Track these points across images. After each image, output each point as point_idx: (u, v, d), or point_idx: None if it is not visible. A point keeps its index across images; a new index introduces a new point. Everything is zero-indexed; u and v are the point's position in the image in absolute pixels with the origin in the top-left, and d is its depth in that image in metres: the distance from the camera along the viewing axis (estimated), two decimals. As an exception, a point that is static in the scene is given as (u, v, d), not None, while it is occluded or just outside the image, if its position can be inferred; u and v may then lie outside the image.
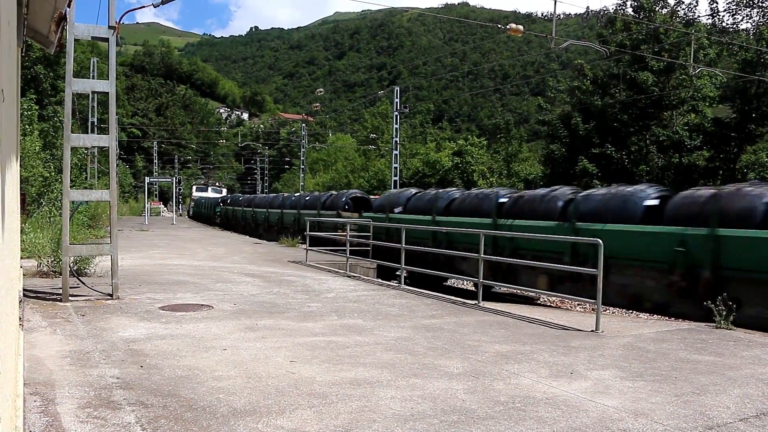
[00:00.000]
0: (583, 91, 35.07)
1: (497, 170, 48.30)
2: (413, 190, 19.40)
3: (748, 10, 31.32)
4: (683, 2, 33.34)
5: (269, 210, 31.57)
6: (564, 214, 12.79)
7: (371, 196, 27.25)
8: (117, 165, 9.33)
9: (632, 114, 32.22)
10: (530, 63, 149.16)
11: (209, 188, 68.84)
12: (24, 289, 8.80)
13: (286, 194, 34.41)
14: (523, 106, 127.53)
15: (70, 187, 8.63)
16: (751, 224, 9.54)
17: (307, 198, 28.04)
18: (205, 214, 50.78)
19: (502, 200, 14.69)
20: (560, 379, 5.31)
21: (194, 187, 71.06)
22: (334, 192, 28.62)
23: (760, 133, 29.21)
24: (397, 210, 18.10)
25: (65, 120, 8.68)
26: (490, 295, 11.31)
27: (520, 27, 17.81)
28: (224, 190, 69.49)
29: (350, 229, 14.91)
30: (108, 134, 8.99)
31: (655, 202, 11.67)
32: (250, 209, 35.57)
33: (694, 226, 10.19)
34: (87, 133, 34.89)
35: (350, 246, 14.02)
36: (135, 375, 5.07)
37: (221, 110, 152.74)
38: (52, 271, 10.84)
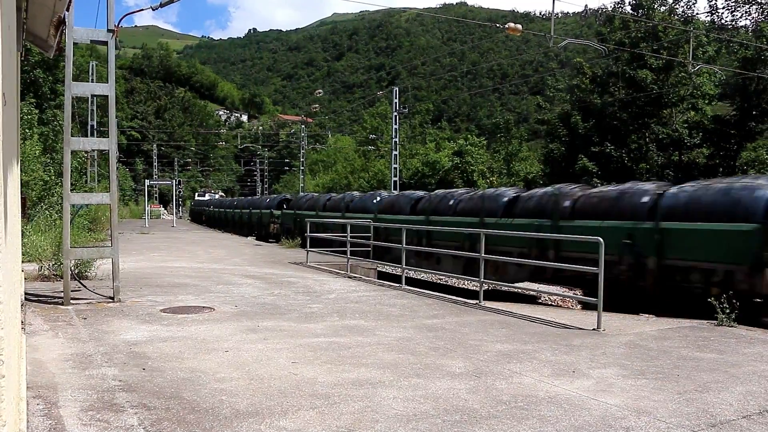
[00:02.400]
0: (582, 89, 35.10)
1: (497, 170, 48.32)
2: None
3: (747, 6, 31.36)
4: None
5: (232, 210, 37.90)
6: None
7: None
8: (117, 168, 9.33)
9: (631, 112, 32.21)
10: (529, 62, 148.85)
11: (206, 194, 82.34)
12: (25, 293, 8.81)
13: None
14: (522, 105, 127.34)
15: (71, 190, 8.63)
16: (497, 215, 14.45)
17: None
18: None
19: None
20: (562, 378, 5.31)
21: (196, 193, 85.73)
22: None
23: (759, 130, 29.22)
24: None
25: (65, 123, 8.67)
26: (494, 294, 11.27)
27: (519, 26, 17.80)
28: (217, 195, 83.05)
29: (348, 231, 14.89)
30: (108, 137, 9.00)
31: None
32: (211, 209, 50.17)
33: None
34: (86, 136, 34.89)
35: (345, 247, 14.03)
36: (137, 377, 5.08)
37: (220, 112, 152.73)
38: (53, 274, 10.84)
